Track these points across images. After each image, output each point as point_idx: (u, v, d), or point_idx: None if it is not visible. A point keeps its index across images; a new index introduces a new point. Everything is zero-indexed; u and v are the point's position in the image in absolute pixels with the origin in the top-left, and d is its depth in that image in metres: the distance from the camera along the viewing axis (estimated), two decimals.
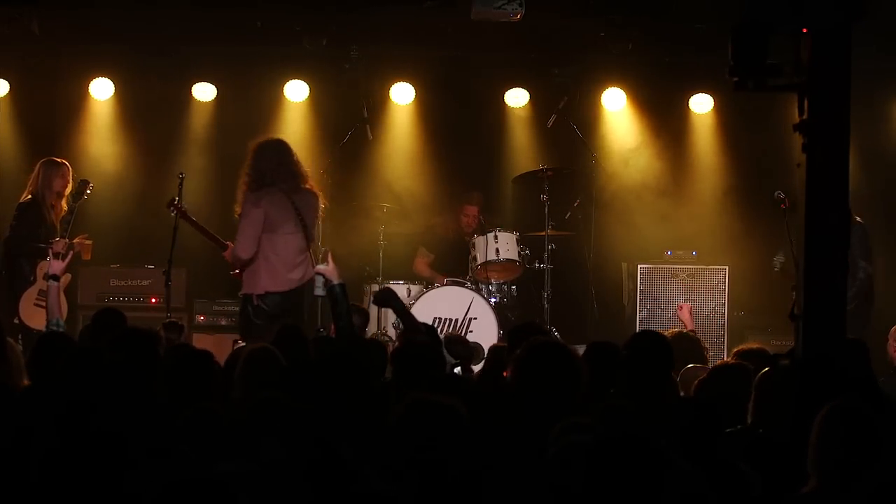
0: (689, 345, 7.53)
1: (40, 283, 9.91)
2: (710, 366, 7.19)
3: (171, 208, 9.78)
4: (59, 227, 10.12)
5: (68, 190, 10.25)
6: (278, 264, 8.96)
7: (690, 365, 7.08)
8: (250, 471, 3.48)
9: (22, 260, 10.16)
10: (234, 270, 9.19)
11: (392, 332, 10.68)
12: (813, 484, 4.44)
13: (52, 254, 9.05)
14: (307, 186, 9.16)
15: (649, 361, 6.02)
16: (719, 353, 11.06)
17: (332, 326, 8.80)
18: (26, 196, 10.28)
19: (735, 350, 7.11)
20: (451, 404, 4.34)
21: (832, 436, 4.43)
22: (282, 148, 9.13)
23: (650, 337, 6.42)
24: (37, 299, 9.92)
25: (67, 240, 9.92)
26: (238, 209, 9.00)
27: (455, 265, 11.46)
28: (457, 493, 4.11)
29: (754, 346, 7.13)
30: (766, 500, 4.68)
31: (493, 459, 4.54)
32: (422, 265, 11.73)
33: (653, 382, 5.92)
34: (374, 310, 10.81)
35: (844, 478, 4.35)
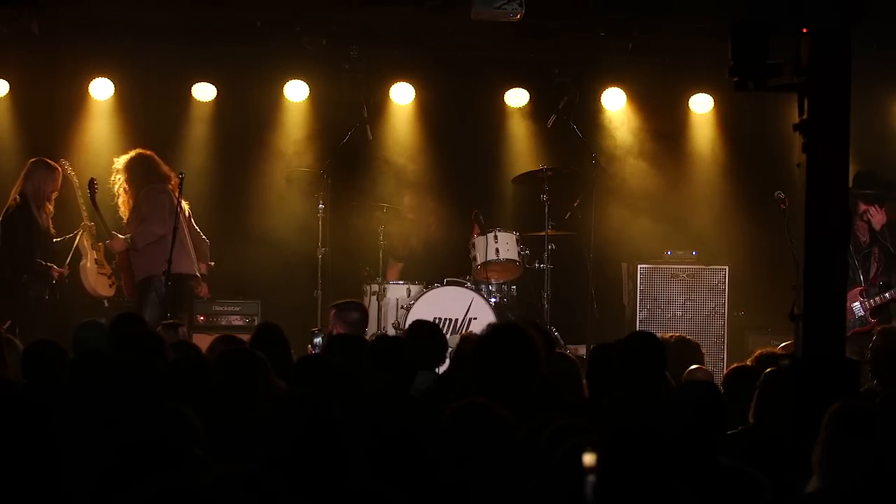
0: (687, 349, 7.52)
1: (91, 255, 10.40)
2: (706, 367, 7.21)
3: (89, 187, 10.23)
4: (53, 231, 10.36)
5: (55, 195, 10.40)
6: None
7: (693, 366, 7.08)
8: (247, 471, 3.47)
9: (27, 276, 10.18)
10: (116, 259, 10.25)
11: (392, 332, 10.67)
12: (817, 483, 4.41)
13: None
14: None
15: (642, 362, 6.01)
16: (719, 354, 11.06)
17: (334, 329, 8.84)
18: (14, 200, 10.22)
19: (755, 354, 7.04)
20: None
21: (841, 434, 4.39)
22: None
23: (642, 337, 6.40)
24: (98, 270, 10.46)
25: (67, 268, 10.44)
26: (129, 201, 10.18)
27: (455, 265, 11.46)
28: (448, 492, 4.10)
29: (776, 350, 7.11)
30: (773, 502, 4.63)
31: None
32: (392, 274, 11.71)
33: (647, 383, 5.92)
34: (374, 310, 10.81)
35: (851, 477, 4.32)
